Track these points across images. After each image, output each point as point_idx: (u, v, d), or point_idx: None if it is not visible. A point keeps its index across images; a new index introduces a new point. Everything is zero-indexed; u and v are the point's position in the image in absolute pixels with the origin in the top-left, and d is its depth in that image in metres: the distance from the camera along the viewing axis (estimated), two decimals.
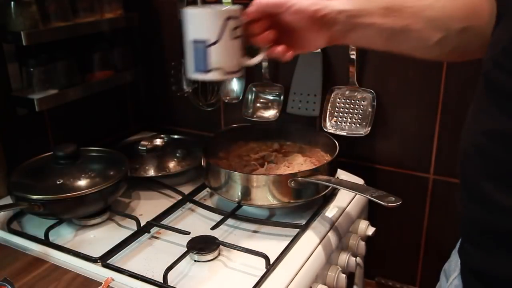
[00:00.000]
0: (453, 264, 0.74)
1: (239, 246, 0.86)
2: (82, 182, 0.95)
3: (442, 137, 1.07)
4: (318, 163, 1.05)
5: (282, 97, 1.19)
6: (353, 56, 1.08)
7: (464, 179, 0.61)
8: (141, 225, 0.94)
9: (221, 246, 0.87)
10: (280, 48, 0.72)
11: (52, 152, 1.00)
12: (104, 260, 0.84)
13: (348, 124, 1.12)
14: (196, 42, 0.71)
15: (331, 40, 0.72)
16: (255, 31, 0.72)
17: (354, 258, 0.95)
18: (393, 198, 0.77)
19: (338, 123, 1.13)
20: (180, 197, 1.05)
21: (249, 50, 0.76)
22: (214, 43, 0.70)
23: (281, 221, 0.96)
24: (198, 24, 0.71)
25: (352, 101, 1.12)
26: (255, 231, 0.95)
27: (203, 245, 0.86)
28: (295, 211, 0.99)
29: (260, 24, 0.71)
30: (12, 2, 0.95)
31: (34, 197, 0.90)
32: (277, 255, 0.84)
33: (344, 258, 0.94)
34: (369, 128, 1.09)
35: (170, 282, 0.78)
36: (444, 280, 0.76)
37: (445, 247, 1.16)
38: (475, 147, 0.58)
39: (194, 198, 1.05)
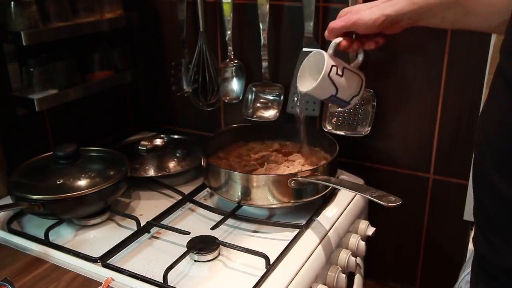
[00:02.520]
0: (469, 261, 0.75)
1: (239, 246, 0.86)
2: (82, 182, 0.95)
3: (442, 137, 1.07)
4: (318, 163, 1.05)
5: (282, 97, 1.19)
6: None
7: (475, 170, 0.62)
8: (141, 225, 0.94)
9: (221, 246, 0.87)
10: (371, 45, 0.84)
11: (52, 152, 1.00)
12: (104, 260, 0.84)
13: (348, 124, 1.12)
14: (329, 98, 0.89)
15: (403, 28, 0.82)
16: (344, 48, 0.85)
17: (354, 258, 0.95)
18: (393, 198, 0.77)
19: (338, 123, 1.13)
20: (180, 197, 1.05)
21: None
22: (336, 93, 0.88)
23: (281, 221, 0.96)
24: (320, 92, 0.89)
25: None
26: (255, 231, 0.95)
27: (203, 245, 0.86)
28: (295, 211, 0.99)
29: (345, 43, 0.84)
30: (12, 2, 0.95)
31: (34, 197, 0.90)
32: (277, 255, 0.84)
33: (344, 258, 0.94)
34: (369, 128, 1.09)
35: (170, 282, 0.78)
36: (460, 276, 0.78)
37: (445, 247, 1.16)
38: (486, 139, 0.59)
39: (194, 198, 1.05)
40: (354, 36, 0.84)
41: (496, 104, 0.59)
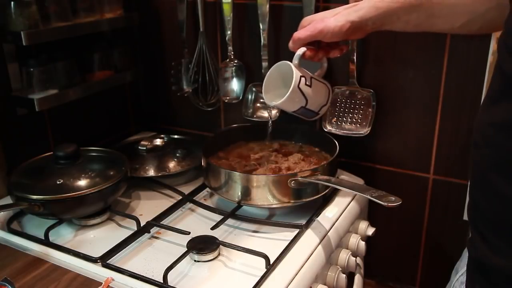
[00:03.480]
0: (463, 262, 0.75)
1: (239, 246, 0.86)
2: (82, 182, 0.95)
3: (442, 137, 1.07)
4: (318, 163, 1.05)
5: None
6: (353, 56, 1.08)
7: (473, 169, 0.62)
8: (141, 225, 0.94)
9: (221, 246, 0.87)
10: (336, 53, 0.87)
11: (52, 152, 1.00)
12: (104, 260, 0.84)
13: (348, 124, 1.12)
14: (298, 110, 0.91)
15: (368, 32, 0.83)
16: (309, 57, 0.86)
17: (354, 258, 0.95)
18: (393, 198, 0.77)
19: (338, 123, 1.13)
20: (180, 197, 1.05)
21: None
22: (306, 104, 0.89)
23: (281, 221, 0.96)
24: (288, 105, 0.90)
25: (352, 101, 1.12)
26: (255, 231, 0.95)
27: (203, 245, 0.86)
28: (295, 211, 0.99)
29: (310, 53, 0.85)
30: (12, 2, 0.95)
31: (34, 197, 0.91)
32: (277, 255, 0.84)
33: (344, 258, 0.94)
34: (369, 128, 1.09)
35: (170, 282, 0.78)
36: (454, 276, 0.77)
37: (445, 247, 1.16)
38: (484, 138, 0.59)
39: (194, 198, 1.05)
40: (318, 45, 0.85)
41: (495, 104, 0.59)
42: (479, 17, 0.75)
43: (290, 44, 0.86)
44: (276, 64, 0.92)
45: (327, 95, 0.93)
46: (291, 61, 0.88)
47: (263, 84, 0.94)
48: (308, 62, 0.88)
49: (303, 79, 0.87)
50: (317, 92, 0.91)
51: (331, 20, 0.79)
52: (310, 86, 0.89)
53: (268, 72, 0.94)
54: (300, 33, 0.83)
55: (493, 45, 0.94)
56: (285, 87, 0.89)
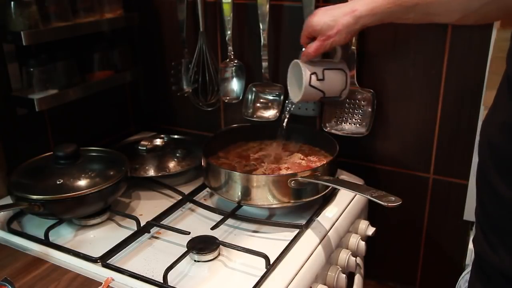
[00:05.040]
0: (471, 261, 0.76)
1: (239, 246, 0.86)
2: (82, 182, 0.95)
3: (442, 137, 1.07)
4: (318, 163, 1.05)
5: (282, 97, 1.19)
6: (353, 57, 1.08)
7: (478, 171, 0.63)
8: (141, 225, 0.94)
9: (221, 246, 0.87)
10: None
11: (52, 152, 1.00)
12: (104, 260, 0.84)
13: (348, 124, 1.12)
14: (320, 100, 0.99)
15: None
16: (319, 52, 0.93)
17: (354, 258, 0.95)
18: (393, 198, 0.77)
19: (338, 123, 1.13)
20: (180, 197, 1.05)
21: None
22: (324, 95, 0.95)
23: (281, 221, 0.96)
24: (307, 99, 0.99)
25: (352, 101, 1.12)
26: (255, 231, 0.95)
27: (203, 245, 0.86)
28: (295, 211, 0.99)
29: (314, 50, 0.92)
30: (12, 2, 0.95)
31: (34, 197, 0.90)
32: (277, 255, 0.84)
33: (344, 258, 0.94)
34: (369, 128, 1.09)
35: (170, 282, 0.78)
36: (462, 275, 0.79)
37: (445, 247, 1.16)
38: (488, 139, 0.60)
39: (194, 198, 1.05)
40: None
41: (500, 107, 0.59)
42: (474, 12, 0.78)
43: (303, 58, 0.94)
44: (292, 63, 0.98)
45: (344, 80, 0.98)
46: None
47: (287, 81, 1.01)
48: None
49: (313, 76, 0.91)
50: (333, 82, 0.95)
51: (335, 38, 0.87)
52: (323, 79, 0.93)
53: (288, 70, 0.99)
54: (312, 51, 0.91)
55: (493, 45, 0.94)
56: (302, 79, 0.94)
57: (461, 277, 0.79)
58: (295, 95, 0.99)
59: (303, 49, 0.94)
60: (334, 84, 0.97)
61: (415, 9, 0.81)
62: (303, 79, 0.92)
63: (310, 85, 0.92)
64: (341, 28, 0.86)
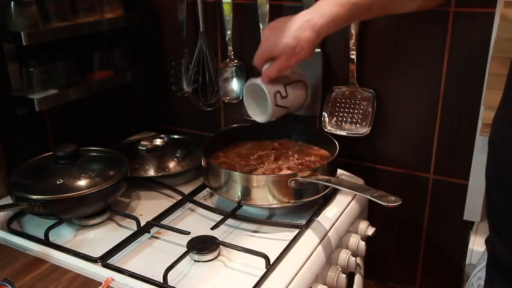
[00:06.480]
0: (481, 258, 0.76)
1: (239, 246, 0.86)
2: (82, 182, 0.95)
3: (442, 137, 1.07)
4: (318, 163, 1.05)
5: None
6: (353, 56, 1.08)
7: (489, 169, 0.62)
8: (141, 225, 0.94)
9: (221, 246, 0.87)
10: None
11: (52, 152, 1.00)
12: (104, 260, 0.84)
13: (348, 124, 1.12)
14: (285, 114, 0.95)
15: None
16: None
17: (354, 258, 0.95)
18: (393, 198, 0.77)
19: (338, 123, 1.13)
20: (180, 197, 1.05)
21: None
22: (289, 109, 0.96)
23: (281, 221, 0.96)
24: (274, 117, 0.94)
25: (352, 101, 1.12)
26: (255, 231, 0.95)
27: (203, 245, 0.86)
28: (295, 211, 0.99)
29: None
30: (12, 2, 0.95)
31: (34, 197, 0.90)
32: (277, 255, 0.84)
33: (344, 258, 0.94)
34: (369, 128, 1.09)
35: (170, 282, 0.78)
36: (472, 272, 0.79)
37: (445, 247, 1.16)
38: (500, 137, 0.60)
39: (194, 198, 1.05)
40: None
41: (511, 103, 0.59)
42: None
43: (263, 79, 0.91)
44: (248, 84, 0.96)
45: (305, 90, 0.97)
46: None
47: (244, 102, 0.99)
48: None
49: (278, 95, 0.90)
50: (296, 96, 0.94)
51: (301, 54, 0.84)
52: (287, 96, 0.92)
53: (244, 92, 0.98)
54: (274, 71, 0.88)
55: (493, 46, 0.94)
56: (264, 99, 0.92)
57: (472, 274, 0.78)
58: (257, 116, 0.97)
59: (264, 67, 0.91)
60: (298, 98, 0.96)
61: (372, 9, 0.82)
62: (268, 100, 0.90)
63: (276, 105, 0.91)
64: (304, 45, 0.83)
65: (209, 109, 1.29)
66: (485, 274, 0.68)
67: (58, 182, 0.94)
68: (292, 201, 0.96)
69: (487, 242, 0.66)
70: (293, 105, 0.96)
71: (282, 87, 0.91)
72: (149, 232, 0.94)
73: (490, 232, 0.65)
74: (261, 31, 1.12)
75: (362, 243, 1.00)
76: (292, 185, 0.92)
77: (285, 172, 1.01)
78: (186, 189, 1.09)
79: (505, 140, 0.59)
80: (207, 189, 1.07)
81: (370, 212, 1.12)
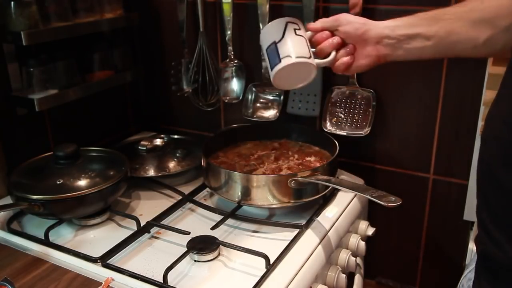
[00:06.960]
0: (472, 259, 0.76)
1: (239, 246, 0.86)
2: (82, 182, 0.95)
3: (442, 137, 1.07)
4: (318, 163, 1.05)
5: (282, 97, 1.19)
6: None
7: (481, 166, 0.62)
8: (141, 225, 0.94)
9: (221, 246, 0.87)
10: (345, 59, 0.80)
11: (52, 152, 1.00)
12: (104, 260, 0.84)
13: (348, 124, 1.12)
14: (269, 47, 0.82)
15: (380, 55, 0.79)
16: (320, 39, 0.81)
17: (354, 258, 0.95)
18: (393, 198, 0.77)
19: (338, 123, 1.13)
20: (180, 197, 1.05)
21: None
22: (280, 40, 0.80)
23: (281, 221, 0.96)
24: (267, 34, 0.83)
25: (352, 101, 1.12)
26: (255, 231, 0.95)
27: (203, 245, 0.86)
28: (295, 211, 0.99)
29: (323, 34, 0.81)
30: (12, 2, 0.95)
31: (34, 197, 0.90)
32: (277, 255, 0.84)
33: (344, 258, 0.94)
34: (369, 128, 1.09)
35: (170, 282, 0.78)
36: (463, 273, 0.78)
37: (445, 247, 1.16)
38: (493, 134, 0.60)
39: (194, 198, 1.05)
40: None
41: (504, 99, 0.59)
42: (502, 32, 0.71)
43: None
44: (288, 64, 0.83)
45: (307, 54, 0.82)
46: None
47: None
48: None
49: (295, 25, 0.82)
50: (297, 43, 0.81)
51: (362, 61, 0.80)
52: (295, 34, 0.81)
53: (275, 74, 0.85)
54: (344, 63, 0.81)
55: None
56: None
57: (463, 276, 0.79)
58: (297, 82, 0.85)
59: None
60: (295, 44, 0.82)
61: (444, 20, 0.74)
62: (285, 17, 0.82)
63: (287, 23, 0.81)
64: (377, 50, 0.79)
65: (209, 109, 1.29)
66: (474, 274, 0.68)
67: (58, 182, 0.94)
68: (292, 201, 0.96)
69: (476, 241, 0.66)
70: (288, 42, 0.81)
71: (302, 31, 0.82)
72: (149, 232, 0.94)
73: (479, 231, 0.65)
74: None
75: (362, 243, 1.00)
76: (292, 185, 0.92)
77: (285, 172, 1.01)
78: (186, 189, 1.09)
79: (498, 136, 0.59)
80: (207, 189, 1.07)
81: (370, 212, 1.12)
